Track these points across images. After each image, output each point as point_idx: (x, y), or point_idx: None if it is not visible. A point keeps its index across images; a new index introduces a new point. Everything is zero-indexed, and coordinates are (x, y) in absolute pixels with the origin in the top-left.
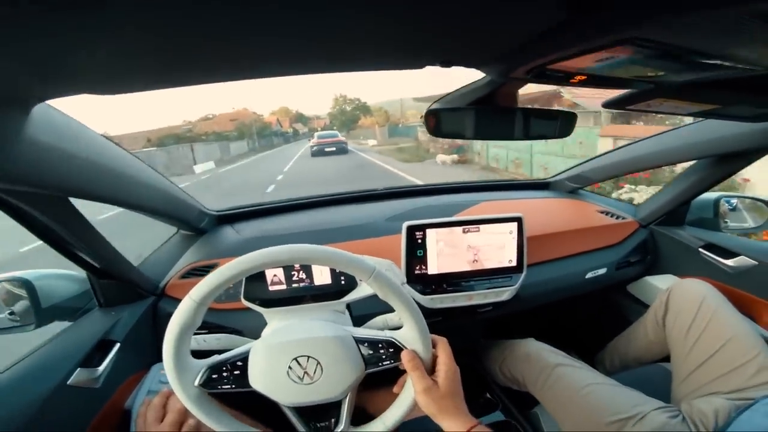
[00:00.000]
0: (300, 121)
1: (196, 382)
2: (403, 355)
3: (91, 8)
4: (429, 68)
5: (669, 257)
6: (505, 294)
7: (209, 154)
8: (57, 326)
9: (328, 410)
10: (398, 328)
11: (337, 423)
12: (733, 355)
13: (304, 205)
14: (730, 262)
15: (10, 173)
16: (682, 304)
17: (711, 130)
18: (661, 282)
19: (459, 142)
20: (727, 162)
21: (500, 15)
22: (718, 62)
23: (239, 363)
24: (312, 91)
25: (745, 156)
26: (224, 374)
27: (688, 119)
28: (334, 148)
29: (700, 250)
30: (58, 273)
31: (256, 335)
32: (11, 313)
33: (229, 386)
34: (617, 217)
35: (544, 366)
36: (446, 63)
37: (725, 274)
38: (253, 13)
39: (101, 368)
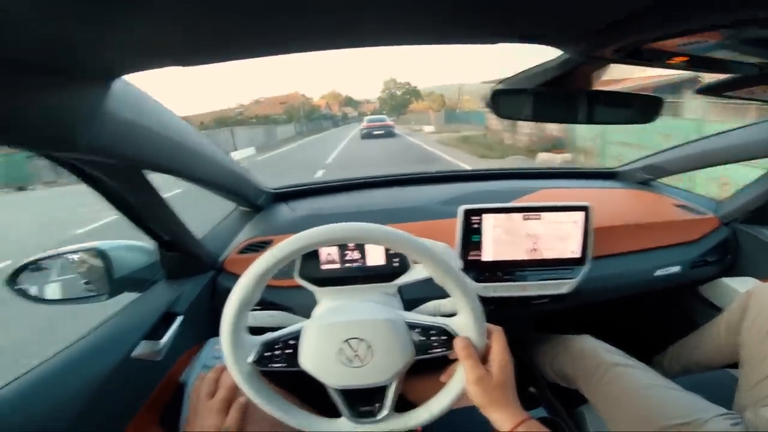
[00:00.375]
0: (349, 105)
1: (250, 359)
2: (456, 341)
3: None
4: (488, 53)
5: (751, 258)
6: (564, 287)
7: (252, 138)
8: (125, 297)
9: (373, 395)
10: (451, 315)
11: (381, 408)
12: None
13: (357, 185)
14: None
15: (90, 144)
16: (763, 309)
17: None
18: (739, 284)
19: (553, 132)
20: None
21: None
22: None
23: (291, 341)
24: (362, 75)
25: None
26: (276, 352)
27: None
28: (382, 132)
29: None
30: (129, 244)
31: (305, 313)
32: (87, 283)
33: (280, 365)
34: (695, 212)
35: (600, 364)
36: (524, 39)
37: None
38: None
39: (163, 341)
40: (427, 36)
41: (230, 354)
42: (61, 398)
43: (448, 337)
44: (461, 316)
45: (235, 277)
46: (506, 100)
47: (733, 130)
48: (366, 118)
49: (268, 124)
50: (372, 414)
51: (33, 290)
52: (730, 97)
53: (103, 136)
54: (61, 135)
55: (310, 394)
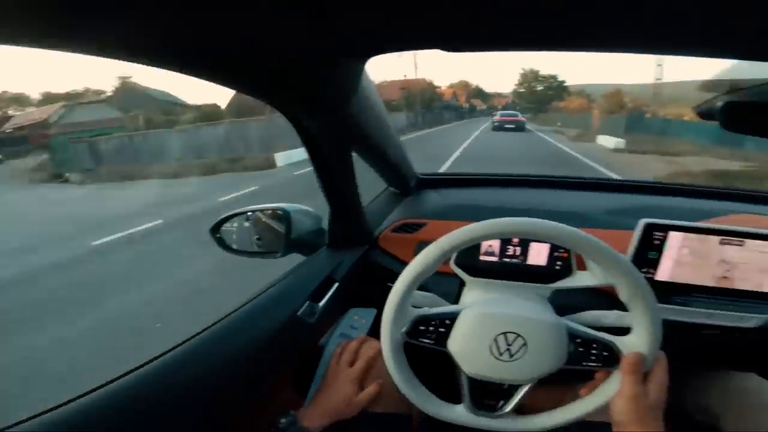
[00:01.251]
0: (479, 97)
1: (404, 329)
2: (630, 356)
3: None
4: None
5: None
6: (751, 321)
7: None
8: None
9: (502, 391)
10: (611, 328)
11: (503, 406)
12: None
13: (503, 181)
14: None
15: (351, 113)
16: None
17: None
18: None
19: None
20: None
21: None
22: None
23: (447, 322)
24: (496, 65)
25: None
26: (430, 328)
27: None
28: (513, 126)
29: None
30: (303, 209)
31: (446, 301)
32: (258, 239)
33: (428, 341)
34: None
35: (764, 408)
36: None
37: None
38: None
39: (321, 304)
40: (694, 48)
41: (390, 320)
42: (233, 352)
43: (610, 354)
44: (636, 337)
45: (386, 254)
46: (739, 113)
47: None
48: (499, 111)
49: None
50: (492, 409)
51: (227, 240)
52: None
53: (357, 107)
54: (337, 102)
55: (435, 377)
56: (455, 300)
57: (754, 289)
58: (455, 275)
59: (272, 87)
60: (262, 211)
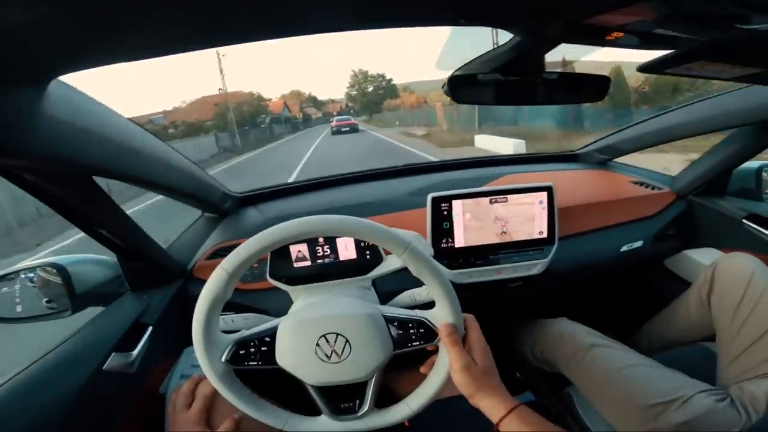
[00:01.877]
0: (313, 105)
1: (224, 358)
2: (442, 329)
3: None
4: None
5: (709, 230)
6: (536, 267)
7: None
8: (91, 312)
9: (353, 391)
10: (426, 303)
11: (361, 404)
12: None
13: (324, 183)
14: None
15: (26, 150)
16: (730, 280)
17: (755, 97)
18: (702, 256)
19: None
20: None
21: None
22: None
23: (267, 339)
24: (327, 72)
25: None
26: (252, 350)
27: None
28: (348, 129)
29: (744, 221)
30: (90, 258)
31: (282, 315)
32: (48, 301)
33: (255, 363)
34: (652, 188)
35: (578, 346)
36: (468, 21)
37: None
38: None
39: (135, 352)
40: (369, 19)
41: (203, 352)
42: (35, 413)
43: (426, 330)
44: (439, 308)
45: (204, 283)
46: (462, 86)
47: (682, 107)
48: (335, 118)
49: (197, 135)
50: (353, 410)
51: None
52: (670, 74)
53: (43, 141)
54: (18, 139)
55: (290, 395)
56: None
57: (527, 238)
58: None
59: None
60: (36, 268)
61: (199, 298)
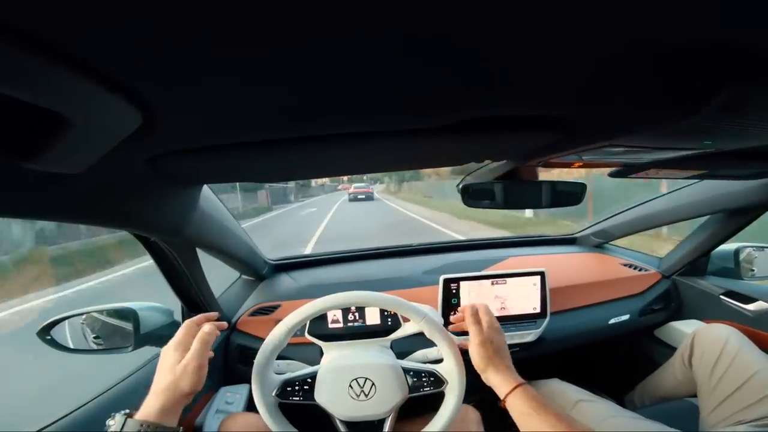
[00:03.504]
0: None
1: (274, 393)
2: (467, 308)
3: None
4: None
5: (692, 304)
6: (529, 336)
7: None
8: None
9: (372, 427)
10: (436, 360)
11: None
12: (757, 388)
13: (349, 258)
14: (750, 306)
15: (186, 231)
16: (707, 346)
17: (717, 187)
18: (686, 326)
19: None
20: (737, 215)
21: (517, 137)
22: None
23: (309, 380)
24: None
25: (752, 210)
26: (296, 388)
27: None
28: (364, 197)
29: (721, 297)
30: (151, 305)
31: (313, 365)
32: (96, 337)
33: (298, 398)
34: (640, 270)
35: (566, 402)
36: (479, 160)
37: (746, 318)
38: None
39: None
40: (420, 164)
41: (259, 388)
42: None
43: (436, 379)
44: (446, 362)
45: (247, 335)
46: (470, 193)
47: (662, 195)
48: (353, 185)
49: None
50: None
51: (67, 341)
52: (635, 178)
53: (192, 225)
54: (176, 226)
55: (317, 428)
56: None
57: (522, 312)
58: (314, 343)
59: (120, 219)
60: (105, 311)
61: (263, 345)
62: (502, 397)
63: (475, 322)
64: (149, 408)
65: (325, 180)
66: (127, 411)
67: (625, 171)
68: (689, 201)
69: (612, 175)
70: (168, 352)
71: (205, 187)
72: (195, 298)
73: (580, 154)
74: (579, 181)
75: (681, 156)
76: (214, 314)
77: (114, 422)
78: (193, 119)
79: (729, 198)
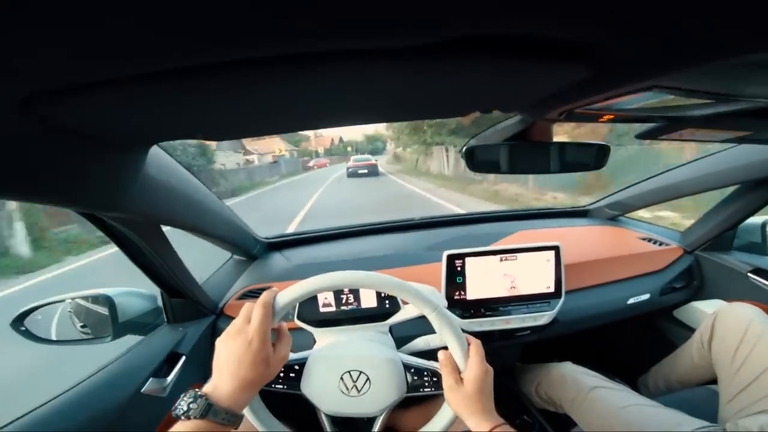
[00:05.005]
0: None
1: None
2: (440, 353)
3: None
4: None
5: (716, 282)
6: (543, 318)
7: None
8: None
9: (361, 424)
10: (439, 348)
11: None
12: None
13: (347, 233)
14: None
15: (130, 205)
16: (729, 328)
17: (751, 154)
18: (708, 307)
19: None
20: None
21: (535, 72)
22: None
23: (296, 367)
24: None
25: None
26: (280, 375)
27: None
28: (366, 171)
29: (749, 274)
30: (132, 291)
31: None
32: (83, 326)
33: (281, 386)
34: (660, 244)
35: (581, 388)
36: (486, 110)
37: None
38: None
39: (169, 379)
40: (407, 113)
41: None
42: (77, 429)
43: (438, 379)
44: (451, 352)
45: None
46: (476, 156)
47: (687, 164)
48: (352, 157)
49: None
50: None
51: (40, 331)
52: (665, 140)
53: (140, 197)
54: (110, 198)
55: (302, 426)
56: None
57: (536, 292)
58: (305, 330)
59: (52, 190)
60: (80, 298)
61: None
62: None
63: (444, 365)
64: (237, 400)
65: (277, 151)
66: (200, 392)
67: (656, 130)
68: (718, 169)
69: (640, 135)
70: (253, 342)
71: (162, 155)
72: (171, 282)
73: (612, 104)
74: (596, 143)
75: (728, 111)
76: (274, 290)
77: (196, 405)
78: (58, 35)
79: (763, 166)
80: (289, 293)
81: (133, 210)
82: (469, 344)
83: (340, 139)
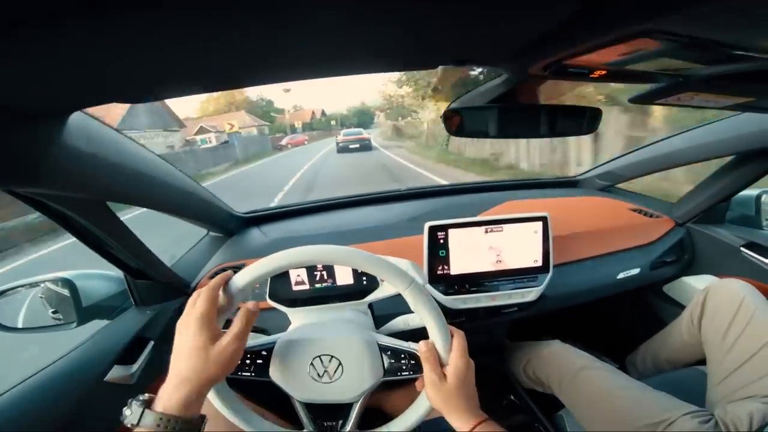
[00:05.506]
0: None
1: None
2: (422, 345)
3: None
4: None
5: (708, 257)
6: (530, 294)
7: None
8: (96, 324)
9: (338, 410)
10: (418, 328)
11: (344, 424)
12: None
13: (327, 206)
14: None
15: (49, 179)
16: (720, 305)
17: (749, 124)
18: (699, 282)
19: None
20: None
21: (512, 10)
22: (750, 54)
23: (263, 353)
24: None
25: None
26: (247, 362)
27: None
28: (358, 145)
29: (742, 249)
30: (97, 273)
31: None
32: (54, 312)
33: (249, 374)
34: (651, 215)
35: (569, 368)
36: (460, 62)
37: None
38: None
39: (136, 365)
40: (369, 65)
41: None
42: (35, 423)
43: (417, 361)
44: (431, 338)
45: None
46: (462, 118)
47: (680, 133)
48: (342, 131)
49: None
50: (334, 430)
51: (4, 319)
52: (661, 104)
53: (65, 170)
54: (22, 171)
55: (280, 407)
56: None
57: (522, 266)
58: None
59: None
60: (43, 282)
61: None
62: None
63: (426, 360)
64: (170, 399)
65: (227, 127)
66: (145, 398)
67: (652, 94)
68: (713, 139)
69: (634, 99)
70: (189, 330)
71: (93, 125)
72: (130, 263)
73: (604, 58)
74: (588, 106)
75: (732, 72)
76: (228, 273)
77: (130, 412)
78: None
79: (761, 136)
80: (247, 273)
81: (59, 185)
82: (452, 336)
83: (323, 113)
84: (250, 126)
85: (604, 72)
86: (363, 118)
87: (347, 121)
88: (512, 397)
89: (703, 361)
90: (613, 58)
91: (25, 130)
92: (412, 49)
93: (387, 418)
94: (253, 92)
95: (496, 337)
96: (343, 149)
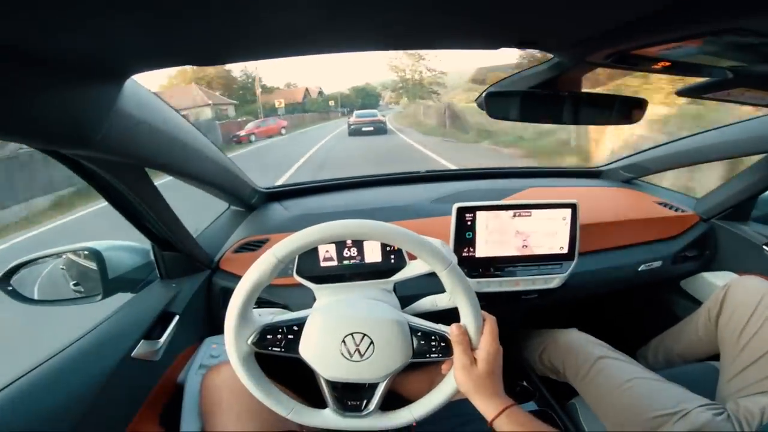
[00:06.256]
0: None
1: (250, 340)
2: (452, 327)
3: None
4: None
5: (729, 253)
6: (554, 281)
7: None
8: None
9: (362, 390)
10: (447, 309)
11: (367, 405)
12: None
13: (348, 184)
14: None
15: (103, 142)
16: (739, 302)
17: None
18: (718, 279)
19: None
20: None
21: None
22: None
23: (295, 328)
24: None
25: None
26: (278, 336)
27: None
28: (372, 128)
29: (765, 247)
30: (123, 245)
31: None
32: (76, 284)
33: (278, 350)
34: (676, 209)
35: (587, 357)
36: (523, 45)
37: None
38: None
39: (161, 340)
40: (431, 41)
41: (233, 331)
42: (63, 398)
43: (447, 344)
44: (462, 319)
45: (231, 275)
46: (498, 101)
47: (712, 129)
48: (355, 112)
49: None
50: (358, 409)
51: (26, 291)
52: (708, 98)
53: (115, 134)
54: (75, 132)
55: (301, 387)
56: None
57: (548, 252)
58: (304, 286)
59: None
60: (70, 252)
61: (243, 278)
62: (488, 421)
63: (457, 343)
64: None
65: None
66: None
67: (702, 87)
68: (743, 137)
69: (682, 92)
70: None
71: (143, 92)
72: (161, 234)
73: (671, 51)
74: (633, 96)
75: None
76: None
77: None
78: None
79: None
80: (289, 243)
81: (107, 149)
82: (484, 320)
83: (320, 92)
84: (201, 105)
85: (667, 64)
86: (368, 99)
87: (348, 102)
88: (525, 384)
89: (713, 357)
90: (679, 51)
91: (85, 91)
92: (478, 27)
93: (401, 400)
94: (237, 67)
95: (511, 324)
96: (355, 131)
